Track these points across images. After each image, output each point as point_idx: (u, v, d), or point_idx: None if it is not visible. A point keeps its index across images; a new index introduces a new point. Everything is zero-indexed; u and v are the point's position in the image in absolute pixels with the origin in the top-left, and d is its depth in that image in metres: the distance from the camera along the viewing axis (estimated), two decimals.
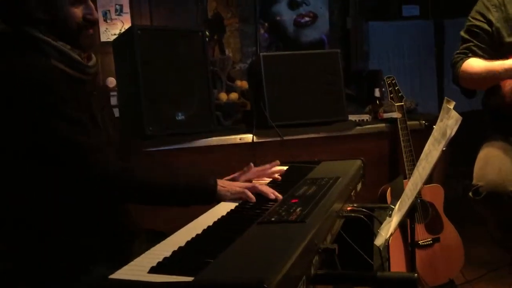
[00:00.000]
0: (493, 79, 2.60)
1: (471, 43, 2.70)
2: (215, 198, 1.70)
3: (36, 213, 1.60)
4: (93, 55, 1.80)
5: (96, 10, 1.83)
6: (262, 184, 1.81)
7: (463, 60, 2.69)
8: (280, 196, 1.69)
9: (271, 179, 1.99)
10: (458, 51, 2.75)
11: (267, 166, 2.02)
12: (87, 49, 1.75)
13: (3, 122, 1.57)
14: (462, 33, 2.77)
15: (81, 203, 1.61)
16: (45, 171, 1.58)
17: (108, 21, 4.22)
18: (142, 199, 1.69)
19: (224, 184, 1.74)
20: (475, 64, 2.64)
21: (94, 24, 1.73)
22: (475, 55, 2.67)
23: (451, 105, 1.53)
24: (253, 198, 1.68)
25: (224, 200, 1.70)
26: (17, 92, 1.56)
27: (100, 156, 1.58)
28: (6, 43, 1.67)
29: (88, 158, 1.57)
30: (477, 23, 2.69)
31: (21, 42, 1.64)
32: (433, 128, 1.62)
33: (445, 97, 1.61)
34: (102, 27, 4.20)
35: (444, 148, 1.50)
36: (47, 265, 1.58)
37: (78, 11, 1.69)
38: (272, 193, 1.69)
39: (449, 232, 3.18)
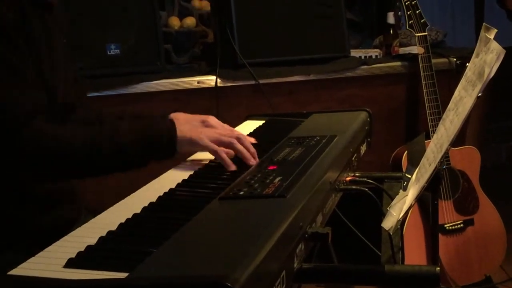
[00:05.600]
0: None
1: None
2: (176, 145, 1.69)
3: None
4: None
5: None
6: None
7: None
8: (256, 158, 1.70)
9: None
10: None
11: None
12: None
13: None
14: None
15: None
16: None
17: None
18: (71, 171, 1.69)
19: (186, 129, 1.72)
20: None
21: None
22: None
23: (492, 34, 1.52)
24: (229, 163, 1.68)
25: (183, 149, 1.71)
26: None
27: (17, 133, 1.58)
28: None
29: None
30: None
31: None
32: (466, 66, 1.62)
33: (484, 24, 1.61)
34: None
35: (480, 94, 1.50)
36: None
37: None
38: (251, 158, 1.70)
39: (487, 212, 3.23)
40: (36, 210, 1.70)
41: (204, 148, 1.71)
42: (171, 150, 1.70)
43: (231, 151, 1.71)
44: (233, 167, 1.67)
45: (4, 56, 1.62)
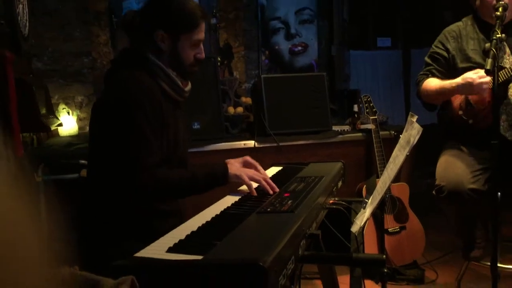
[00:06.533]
0: (445, 95, 2.59)
1: (432, 67, 2.70)
2: (228, 178, 1.69)
3: (111, 200, 1.65)
4: (189, 82, 1.83)
5: None
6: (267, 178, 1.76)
7: (424, 79, 2.70)
8: (277, 189, 1.68)
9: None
10: (421, 72, 2.76)
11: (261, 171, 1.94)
12: (189, 80, 1.81)
13: (102, 119, 1.65)
14: (426, 58, 2.77)
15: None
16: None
17: None
18: (173, 197, 1.71)
19: (234, 169, 1.71)
20: (432, 83, 2.65)
21: (201, 62, 1.78)
22: (434, 76, 2.68)
23: (414, 118, 1.52)
24: (254, 193, 1.66)
25: (231, 180, 1.70)
26: (117, 99, 1.61)
27: (143, 176, 1.57)
28: (128, 60, 1.72)
29: (133, 174, 1.57)
30: (438, 50, 2.69)
31: (138, 61, 1.69)
32: (400, 137, 1.61)
33: (410, 112, 1.60)
34: None
35: (408, 153, 1.49)
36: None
37: (192, 53, 1.74)
38: (271, 189, 1.67)
39: (413, 221, 3.17)
40: (158, 219, 1.69)
41: (243, 182, 1.69)
42: (224, 181, 1.70)
43: (257, 184, 1.70)
44: (255, 194, 1.66)
45: (144, 132, 1.59)
